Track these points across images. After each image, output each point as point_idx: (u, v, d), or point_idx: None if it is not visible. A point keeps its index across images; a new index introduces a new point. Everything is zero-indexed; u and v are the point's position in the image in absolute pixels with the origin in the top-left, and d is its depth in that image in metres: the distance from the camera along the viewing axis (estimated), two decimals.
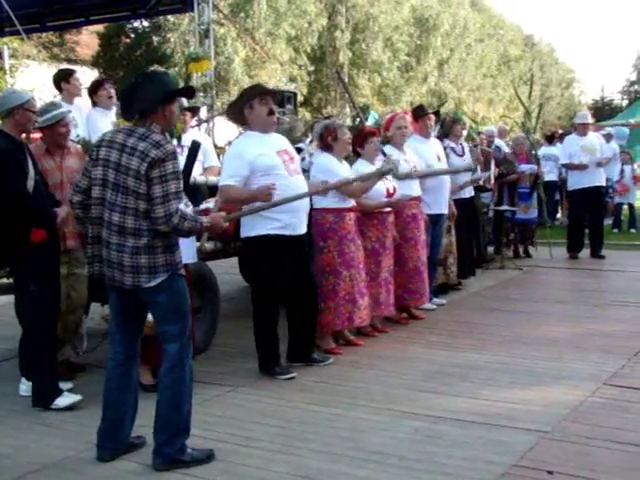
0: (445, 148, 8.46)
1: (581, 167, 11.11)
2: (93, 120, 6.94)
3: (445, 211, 7.94)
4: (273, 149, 5.51)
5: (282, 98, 10.60)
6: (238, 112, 5.62)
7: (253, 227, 5.48)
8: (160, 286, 3.92)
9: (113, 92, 7.12)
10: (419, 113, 7.84)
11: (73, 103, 6.89)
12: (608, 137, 14.30)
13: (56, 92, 7.18)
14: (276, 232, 5.43)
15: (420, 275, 7.26)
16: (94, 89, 7.13)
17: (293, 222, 5.49)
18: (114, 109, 7.01)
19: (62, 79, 6.95)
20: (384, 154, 6.58)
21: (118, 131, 4.02)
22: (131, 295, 4.00)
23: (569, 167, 11.55)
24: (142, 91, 3.98)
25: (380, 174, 6.01)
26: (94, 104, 7.15)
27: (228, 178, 5.43)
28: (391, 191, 6.70)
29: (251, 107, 5.50)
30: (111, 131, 4.16)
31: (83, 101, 7.32)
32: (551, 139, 14.82)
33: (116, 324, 4.18)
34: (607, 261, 10.92)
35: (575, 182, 11.34)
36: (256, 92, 5.54)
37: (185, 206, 4.99)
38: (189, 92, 4.78)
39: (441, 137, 8.74)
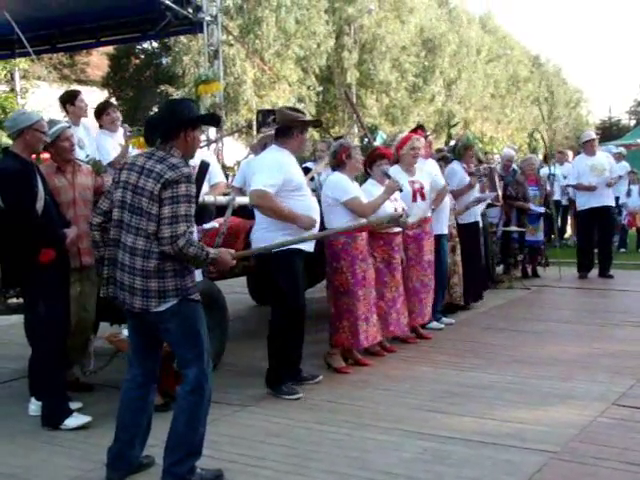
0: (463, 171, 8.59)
1: (591, 188, 11.06)
2: (101, 142, 7.01)
3: (446, 231, 7.94)
4: (299, 169, 5.74)
5: None
6: (286, 125, 5.68)
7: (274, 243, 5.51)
8: (169, 311, 3.89)
9: (117, 116, 7.16)
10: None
11: (79, 124, 6.94)
12: (619, 157, 14.27)
13: (64, 112, 7.24)
14: (299, 246, 5.46)
15: (418, 295, 7.25)
16: (99, 113, 7.19)
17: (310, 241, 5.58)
18: (120, 131, 7.08)
19: (67, 102, 7.00)
20: (388, 177, 6.57)
21: (140, 155, 4.06)
22: (144, 318, 3.99)
23: (578, 188, 11.48)
24: (165, 116, 4.04)
25: (390, 220, 6.20)
26: (100, 127, 7.23)
27: (266, 184, 5.42)
28: (400, 212, 6.70)
29: (302, 132, 5.70)
30: (134, 155, 4.19)
31: (90, 121, 7.37)
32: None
33: (133, 347, 4.17)
34: (615, 281, 10.90)
35: (584, 202, 11.30)
36: (313, 124, 6.11)
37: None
38: (213, 120, 4.61)
39: (448, 160, 8.79)
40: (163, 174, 3.81)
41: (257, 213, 5.65)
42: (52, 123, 5.46)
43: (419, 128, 8.06)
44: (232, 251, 4.27)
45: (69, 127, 5.54)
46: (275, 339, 5.66)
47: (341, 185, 6.20)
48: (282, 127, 5.71)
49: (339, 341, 6.29)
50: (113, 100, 23.54)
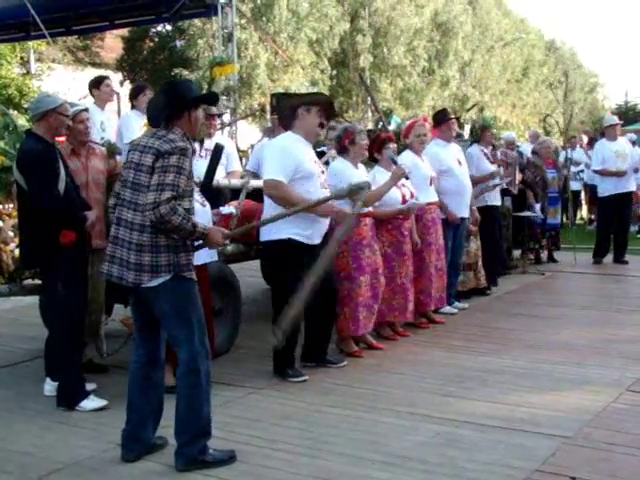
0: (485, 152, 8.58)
1: (620, 174, 10.87)
2: (129, 120, 7.08)
3: (466, 215, 7.86)
4: (312, 158, 5.62)
5: None
6: (289, 109, 5.63)
7: (272, 230, 5.47)
8: (162, 287, 3.92)
9: None
10: (442, 118, 7.82)
11: (104, 109, 7.01)
12: (632, 143, 14.10)
13: (81, 95, 7.31)
14: (293, 237, 5.44)
15: (438, 280, 7.24)
16: (135, 93, 7.28)
17: (309, 233, 5.50)
18: None
19: (93, 86, 7.13)
20: (395, 162, 6.48)
21: (145, 135, 4.14)
22: (139, 295, 4.01)
23: (603, 173, 11.17)
24: (169, 99, 4.08)
25: (335, 196, 5.36)
26: (132, 107, 7.29)
27: (278, 173, 5.39)
28: (407, 198, 6.65)
29: (308, 111, 5.53)
30: (140, 137, 4.25)
31: (110, 106, 7.45)
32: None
33: (136, 326, 4.21)
34: (630, 267, 10.82)
35: (609, 188, 11.04)
36: (321, 102, 5.62)
37: (201, 205, 5.09)
38: (213, 98, 4.86)
39: (461, 137, 8.77)
40: (159, 148, 3.89)
41: (266, 199, 5.60)
42: (69, 105, 5.49)
43: (441, 113, 8.03)
44: (224, 230, 4.29)
45: (85, 110, 5.55)
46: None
47: (342, 174, 6.03)
48: (284, 113, 5.68)
49: (340, 327, 6.21)
50: (127, 83, 23.55)
